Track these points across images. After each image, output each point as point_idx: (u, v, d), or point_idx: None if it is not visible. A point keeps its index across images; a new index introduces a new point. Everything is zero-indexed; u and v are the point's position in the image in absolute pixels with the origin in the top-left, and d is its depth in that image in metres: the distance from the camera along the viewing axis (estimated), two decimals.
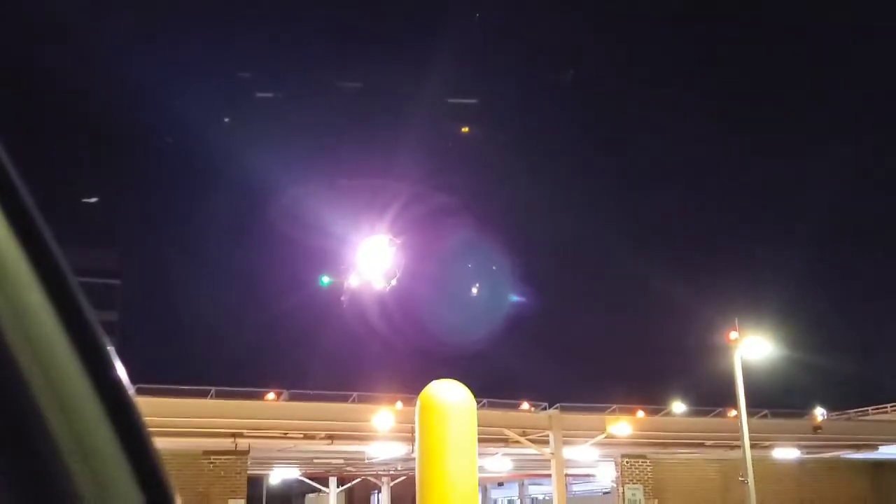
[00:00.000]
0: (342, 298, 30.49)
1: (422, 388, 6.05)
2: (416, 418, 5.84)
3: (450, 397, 5.80)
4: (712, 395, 30.47)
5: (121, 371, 0.97)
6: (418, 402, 5.87)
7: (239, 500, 23.16)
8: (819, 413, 31.43)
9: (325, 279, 31.77)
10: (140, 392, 19.90)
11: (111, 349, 0.97)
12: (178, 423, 21.93)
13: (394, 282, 28.87)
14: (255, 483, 38.33)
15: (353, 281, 29.88)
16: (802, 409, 32.07)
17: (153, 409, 20.97)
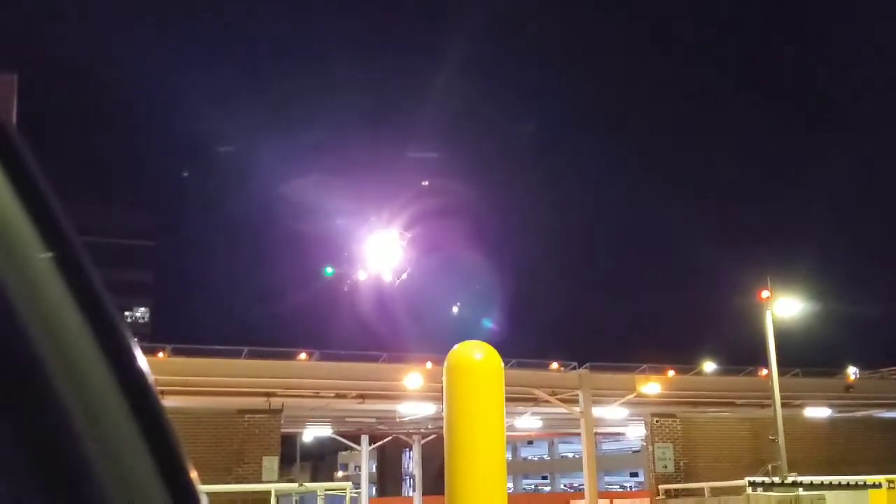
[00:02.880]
0: (345, 289, 31.21)
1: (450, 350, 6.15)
2: (444, 378, 5.93)
3: (476, 357, 5.87)
4: (743, 353, 30.39)
5: (144, 365, 0.94)
6: (445, 363, 5.96)
7: (273, 458, 23.57)
8: (851, 372, 31.20)
9: (329, 269, 32.78)
10: (175, 352, 20.01)
11: (134, 342, 0.94)
12: (213, 382, 22.30)
13: (405, 276, 29.36)
14: (288, 441, 38.98)
15: (360, 273, 30.60)
16: (834, 368, 31.85)
17: (188, 369, 21.33)
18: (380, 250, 30.03)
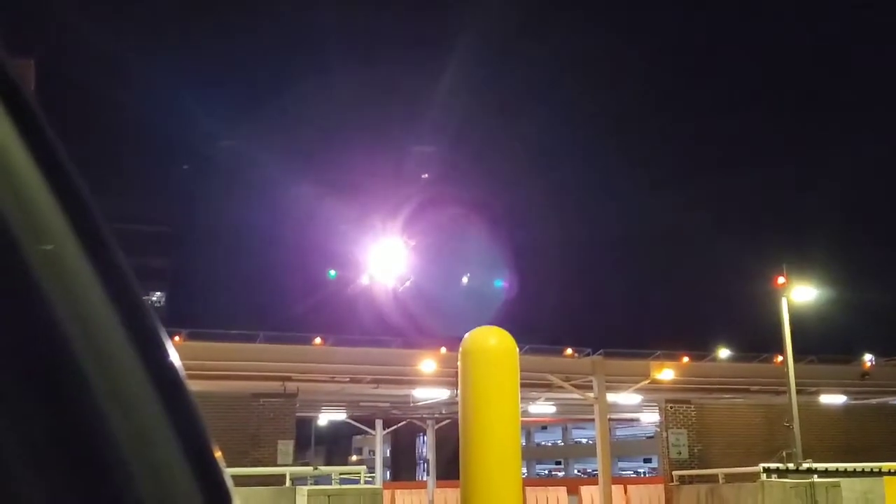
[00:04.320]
0: (349, 290, 31.62)
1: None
2: (459, 363, 5.90)
3: (491, 342, 5.84)
4: (759, 340, 30.23)
5: (172, 350, 0.93)
6: (461, 348, 5.92)
7: (288, 441, 23.71)
8: (867, 359, 31.04)
9: (332, 272, 33.45)
10: (190, 337, 20.12)
11: (161, 327, 0.94)
12: (228, 366, 22.42)
13: (408, 283, 29.62)
14: (304, 425, 39.24)
15: (364, 278, 31.09)
16: (850, 355, 31.69)
17: (204, 353, 21.46)
18: (384, 256, 30.46)
